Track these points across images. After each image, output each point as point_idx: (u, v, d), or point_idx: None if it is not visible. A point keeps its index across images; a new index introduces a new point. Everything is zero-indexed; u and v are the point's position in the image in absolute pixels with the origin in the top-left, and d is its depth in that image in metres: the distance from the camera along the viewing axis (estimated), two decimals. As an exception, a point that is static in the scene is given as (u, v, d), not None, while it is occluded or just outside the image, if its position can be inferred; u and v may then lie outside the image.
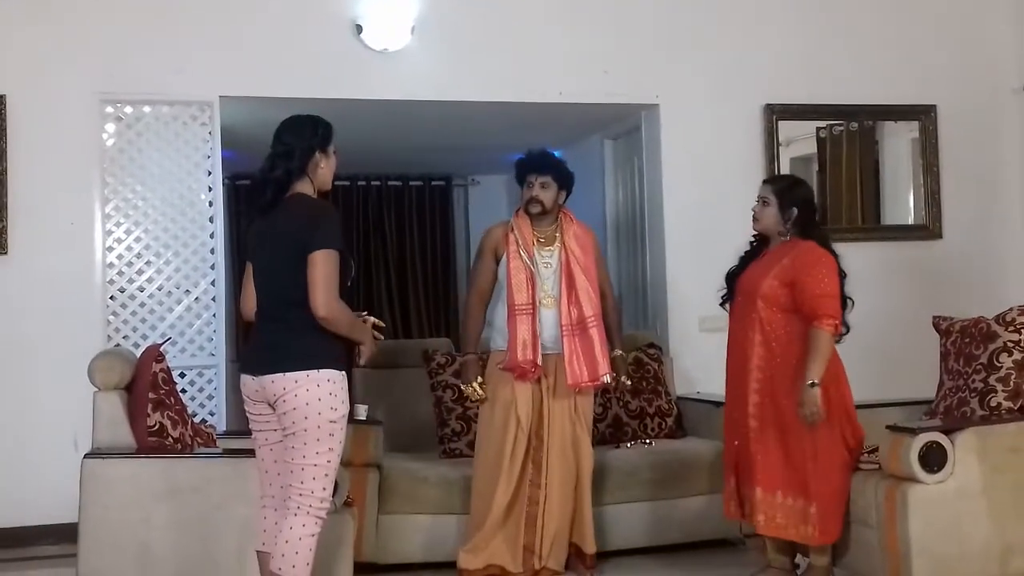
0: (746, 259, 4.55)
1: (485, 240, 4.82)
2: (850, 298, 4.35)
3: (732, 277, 4.55)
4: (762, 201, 4.47)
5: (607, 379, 4.63)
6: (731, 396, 4.49)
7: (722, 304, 4.59)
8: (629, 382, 4.89)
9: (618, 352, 4.80)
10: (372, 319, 3.68)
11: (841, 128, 6.59)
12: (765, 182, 4.60)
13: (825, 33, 6.50)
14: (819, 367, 4.18)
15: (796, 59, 6.42)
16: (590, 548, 4.69)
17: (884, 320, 6.19)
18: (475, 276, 4.84)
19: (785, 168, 6.37)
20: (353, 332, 3.57)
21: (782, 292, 4.29)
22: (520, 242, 4.70)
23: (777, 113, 6.37)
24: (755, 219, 4.50)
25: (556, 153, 4.96)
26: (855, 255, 6.16)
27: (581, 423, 4.67)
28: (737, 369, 4.42)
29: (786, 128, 6.43)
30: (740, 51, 6.36)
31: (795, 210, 4.40)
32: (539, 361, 4.56)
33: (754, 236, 4.58)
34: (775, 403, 4.27)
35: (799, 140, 6.55)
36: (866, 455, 4.40)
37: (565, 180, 4.79)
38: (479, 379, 4.70)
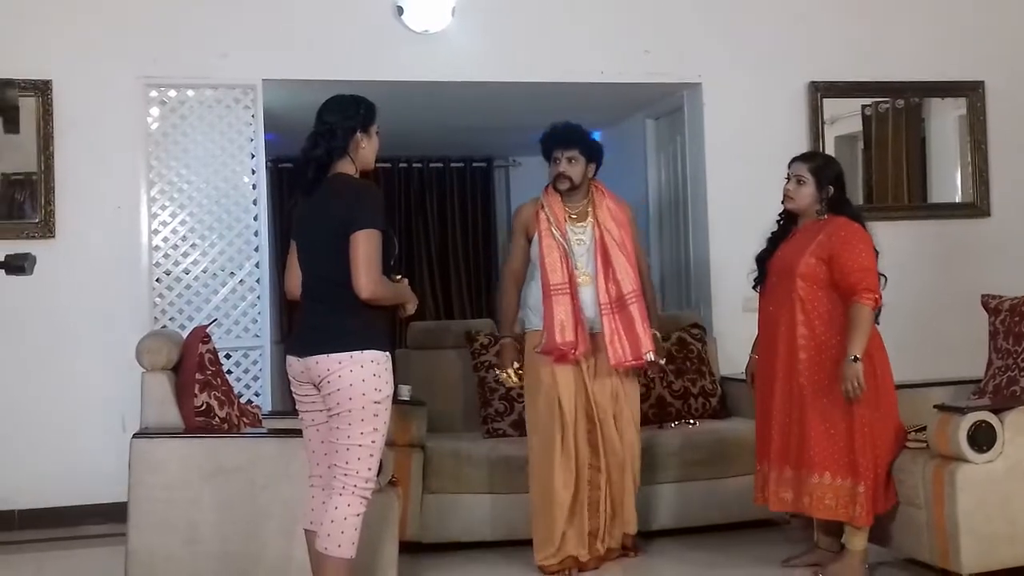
0: (775, 240, 4.49)
1: (515, 219, 4.76)
2: (883, 275, 4.29)
3: (763, 259, 4.49)
4: (796, 179, 4.40)
5: (650, 357, 4.51)
6: (765, 379, 4.42)
7: (754, 287, 4.53)
8: (662, 360, 4.74)
9: (653, 331, 4.64)
10: (404, 279, 3.70)
11: (887, 106, 6.51)
12: (798, 160, 4.48)
13: (870, 9, 6.42)
14: (860, 342, 4.14)
15: (841, 36, 6.34)
16: (631, 529, 4.65)
17: (931, 299, 6.13)
18: (507, 257, 4.80)
19: (830, 147, 6.31)
20: (397, 299, 3.62)
21: (820, 269, 4.24)
22: (551, 219, 4.58)
23: (822, 91, 6.30)
24: (788, 197, 4.43)
25: (595, 133, 4.89)
26: (902, 234, 6.15)
27: (626, 404, 4.58)
28: (773, 352, 4.35)
29: (831, 106, 6.36)
30: (784, 28, 6.29)
31: (831, 188, 4.36)
32: (584, 342, 4.46)
33: (781, 215, 4.51)
34: (822, 382, 4.21)
35: (844, 118, 6.47)
36: (913, 434, 4.36)
37: (593, 153, 4.65)
38: (516, 364, 4.66)
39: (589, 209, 4.60)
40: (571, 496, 4.46)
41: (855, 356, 4.11)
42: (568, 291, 4.49)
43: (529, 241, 4.65)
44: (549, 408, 4.49)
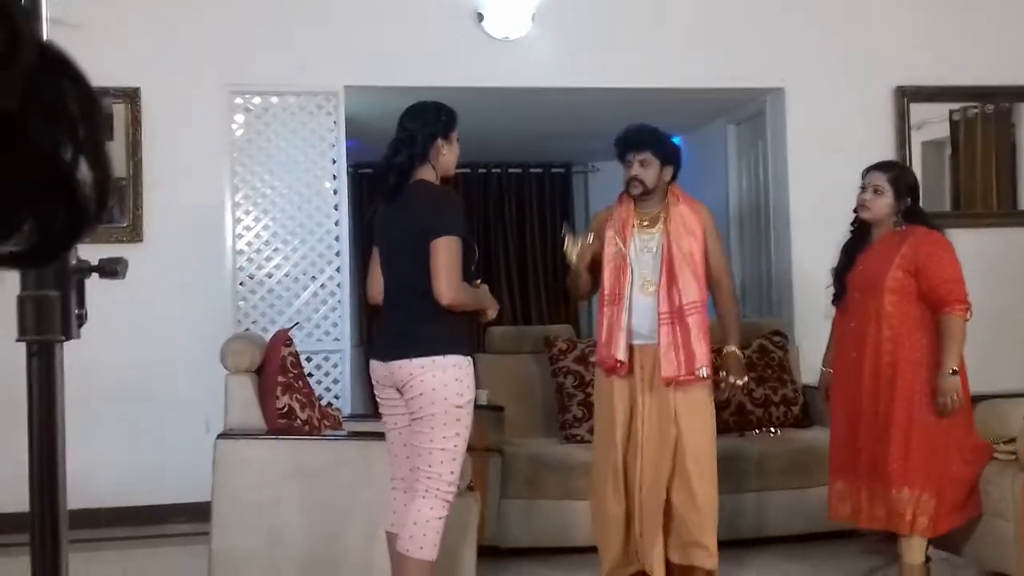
0: (850, 251, 4.37)
1: (591, 225, 4.62)
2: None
3: (841, 273, 4.37)
4: (874, 189, 4.26)
5: (703, 373, 4.19)
6: (847, 395, 4.30)
7: (834, 302, 4.42)
8: (741, 382, 4.38)
9: (731, 348, 4.34)
10: (484, 284, 3.71)
11: (976, 110, 6.40)
12: (874, 169, 4.34)
13: (958, 11, 6.31)
14: (956, 354, 4.07)
15: (928, 39, 6.24)
16: (714, 563, 4.25)
17: (1021, 307, 5.99)
18: None
19: (917, 153, 6.21)
20: (478, 304, 3.65)
21: (908, 282, 4.15)
22: (616, 228, 4.39)
23: (908, 96, 6.21)
24: (864, 208, 4.28)
25: (675, 137, 4.62)
26: (990, 240, 6.04)
27: (682, 420, 4.21)
28: (857, 367, 4.24)
29: (918, 111, 6.26)
30: (868, 32, 6.21)
31: (909, 199, 4.26)
32: (621, 356, 4.21)
33: (853, 224, 4.40)
34: (908, 397, 4.12)
35: (931, 123, 6.37)
36: (1003, 445, 4.28)
37: (668, 155, 4.39)
38: (589, 240, 4.35)
39: (662, 215, 4.38)
40: (623, 511, 4.26)
41: (953, 369, 4.04)
42: (617, 302, 4.30)
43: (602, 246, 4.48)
44: (606, 420, 4.35)
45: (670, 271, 4.26)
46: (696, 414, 4.27)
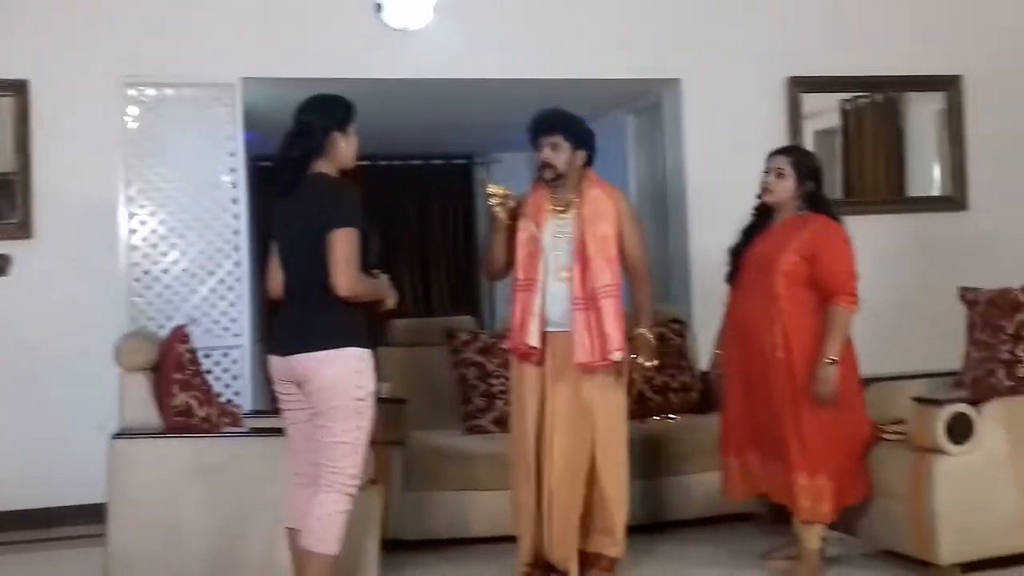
0: (749, 233, 4.44)
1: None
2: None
3: (737, 252, 4.43)
4: (777, 172, 4.35)
5: (616, 356, 4.18)
6: (738, 374, 4.36)
7: (727, 280, 4.47)
8: (651, 364, 4.38)
9: (641, 331, 4.34)
10: (384, 275, 3.69)
11: (866, 100, 6.56)
12: (778, 153, 4.44)
13: (848, 4, 6.46)
14: (837, 344, 4.14)
15: (819, 31, 6.38)
16: (620, 552, 4.33)
17: (909, 292, 6.18)
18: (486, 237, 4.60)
19: (809, 141, 6.34)
20: (376, 295, 3.63)
21: (802, 267, 4.22)
22: (530, 212, 4.36)
23: (801, 86, 6.34)
24: (767, 191, 4.36)
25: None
26: (879, 227, 6.20)
27: (596, 410, 4.24)
28: (748, 347, 4.30)
29: (810, 101, 6.39)
30: (762, 24, 6.33)
31: (811, 183, 4.34)
32: (534, 343, 4.21)
33: (756, 209, 4.46)
34: (797, 380, 4.18)
35: (823, 113, 6.51)
36: (892, 426, 4.39)
37: (580, 139, 4.33)
38: (511, 197, 4.33)
39: (576, 201, 4.33)
40: (534, 501, 4.27)
41: (831, 359, 4.12)
42: (531, 288, 4.28)
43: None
44: (518, 409, 4.36)
45: (583, 257, 4.24)
46: (608, 402, 4.29)
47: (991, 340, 4.61)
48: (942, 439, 4.14)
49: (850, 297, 4.18)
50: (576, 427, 4.25)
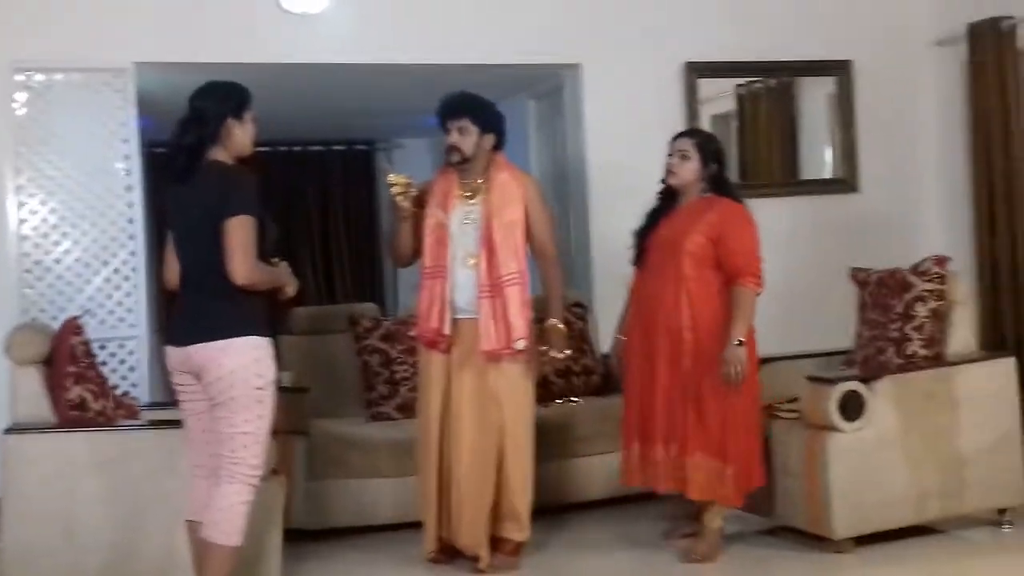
0: (655, 215, 4.44)
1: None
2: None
3: (643, 234, 4.43)
4: (681, 155, 4.36)
5: (519, 345, 4.19)
6: (643, 358, 4.34)
7: (633, 263, 4.46)
8: (562, 356, 4.40)
9: (553, 322, 4.36)
10: (283, 262, 3.65)
11: (759, 85, 6.66)
12: (682, 136, 4.48)
13: (744, -10, 6.54)
14: (744, 326, 4.17)
15: (715, 17, 6.44)
16: (525, 536, 4.37)
17: (803, 273, 6.29)
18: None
19: (706, 126, 6.41)
20: (275, 282, 3.58)
21: (708, 249, 4.24)
22: (438, 198, 4.32)
23: (697, 71, 6.40)
24: (671, 173, 4.38)
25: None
26: (775, 210, 6.29)
27: (503, 398, 4.25)
28: (654, 330, 4.30)
29: (706, 86, 6.46)
30: (660, 9, 6.36)
31: (715, 165, 4.37)
32: (445, 330, 4.22)
33: (660, 192, 4.48)
34: (704, 363, 4.21)
35: (719, 98, 6.59)
36: (786, 405, 4.48)
37: (487, 122, 4.31)
38: (413, 184, 4.31)
39: (483, 186, 4.30)
40: (435, 486, 4.28)
41: (739, 340, 4.15)
42: (439, 276, 4.26)
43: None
44: (423, 396, 4.36)
45: (489, 244, 4.22)
46: (514, 390, 4.29)
47: (881, 319, 4.72)
48: (835, 417, 4.25)
49: (755, 278, 4.22)
50: (483, 414, 4.25)
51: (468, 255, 4.27)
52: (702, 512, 4.39)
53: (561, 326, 4.38)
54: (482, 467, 4.26)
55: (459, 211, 4.31)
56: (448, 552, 4.39)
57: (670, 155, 4.41)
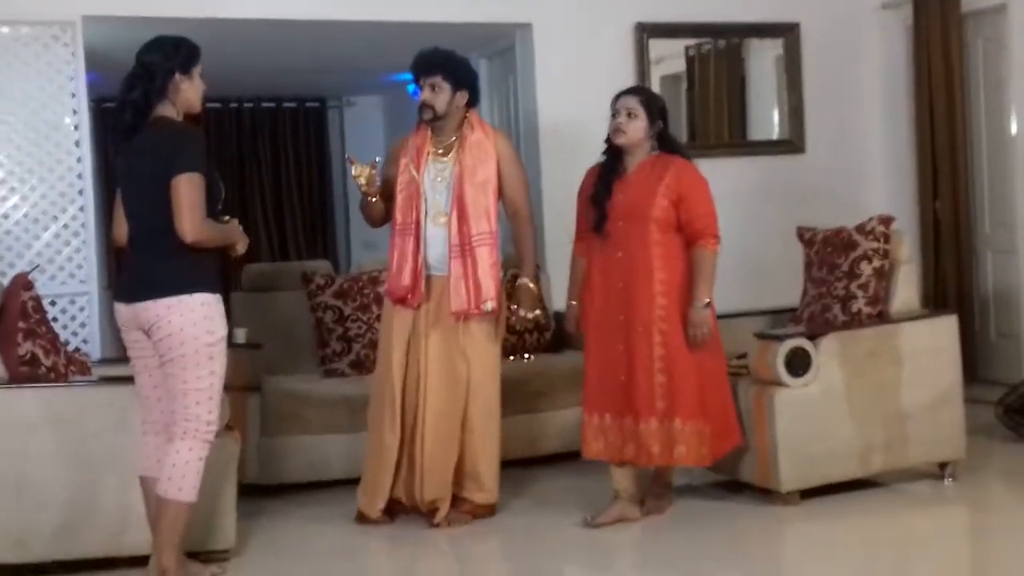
0: (607, 180, 4.22)
1: (389, 152, 4.44)
2: None
3: (601, 200, 4.20)
4: (627, 113, 4.18)
5: (487, 307, 4.17)
6: (612, 327, 4.17)
7: (596, 229, 4.20)
8: (532, 315, 4.37)
9: (523, 280, 4.32)
10: (234, 219, 3.58)
11: (709, 46, 6.64)
12: (626, 94, 4.27)
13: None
14: (708, 287, 4.10)
15: (666, -23, 6.41)
16: (485, 498, 4.32)
17: (751, 232, 6.31)
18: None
19: (656, 86, 6.39)
20: (225, 240, 3.52)
21: (671, 212, 4.11)
22: (410, 155, 4.25)
23: (648, 32, 6.37)
24: (620, 132, 4.18)
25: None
26: (723, 170, 6.29)
27: (470, 357, 4.22)
28: (624, 298, 4.13)
29: (656, 47, 6.43)
30: (611, -31, 6.32)
31: (660, 122, 4.22)
32: (419, 287, 4.19)
33: (605, 152, 4.28)
34: (676, 327, 4.10)
35: (669, 59, 6.57)
36: (736, 360, 4.50)
37: (460, 79, 4.22)
38: (374, 168, 4.22)
39: (456, 144, 4.24)
40: (397, 443, 4.23)
41: (705, 302, 4.08)
42: (411, 233, 4.20)
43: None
44: (385, 352, 4.30)
45: (460, 202, 4.18)
46: (481, 349, 4.26)
47: (827, 277, 4.75)
48: (782, 372, 4.27)
49: (715, 239, 4.13)
50: (451, 370, 4.23)
51: (439, 213, 4.24)
52: (664, 473, 4.35)
53: (532, 285, 4.36)
54: (449, 423, 4.23)
55: (431, 168, 4.26)
56: (387, 512, 4.34)
57: (615, 114, 4.23)
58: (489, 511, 4.38)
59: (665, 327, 4.11)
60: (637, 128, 4.19)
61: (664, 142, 4.27)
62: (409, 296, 4.22)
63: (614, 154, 4.27)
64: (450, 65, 4.26)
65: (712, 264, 4.14)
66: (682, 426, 4.10)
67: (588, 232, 4.28)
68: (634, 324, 4.13)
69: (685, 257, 4.16)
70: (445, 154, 4.26)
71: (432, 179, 4.26)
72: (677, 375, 4.11)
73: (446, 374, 4.24)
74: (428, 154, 4.27)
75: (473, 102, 4.33)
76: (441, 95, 4.22)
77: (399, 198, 4.26)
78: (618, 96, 4.29)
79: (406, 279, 4.20)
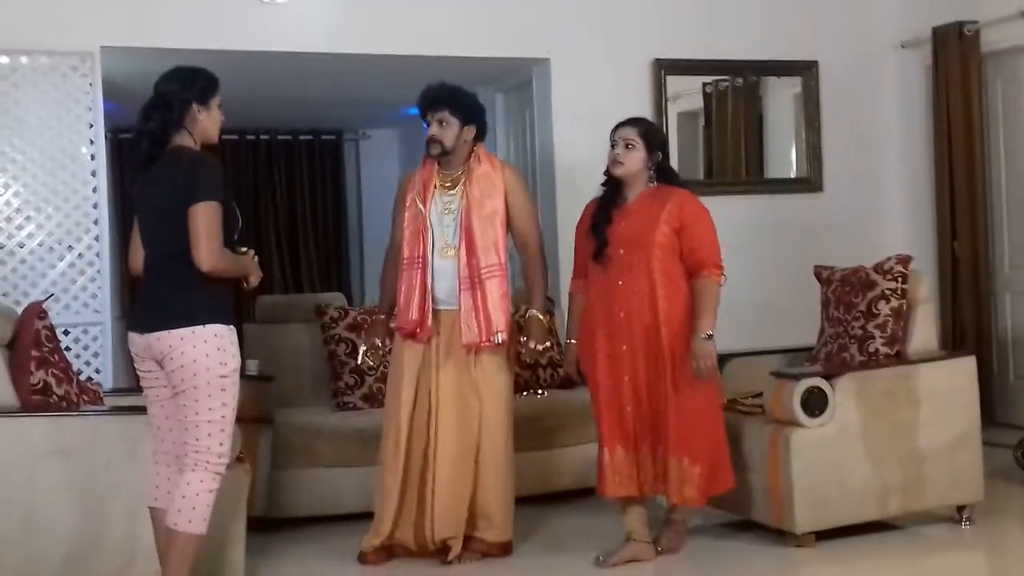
0: (607, 210, 4.20)
1: (399, 189, 4.46)
2: None
3: (601, 230, 4.17)
4: (626, 144, 4.16)
5: (498, 339, 4.17)
6: (614, 358, 4.13)
7: (595, 258, 4.18)
8: (542, 347, 4.37)
9: (532, 312, 4.31)
10: (250, 251, 3.60)
11: (727, 84, 6.67)
12: (625, 125, 4.23)
13: (712, -11, 6.55)
14: (711, 318, 4.07)
15: (685, 14, 6.46)
16: (497, 536, 4.29)
17: (768, 270, 6.32)
18: (392, 230, 4.47)
19: (673, 123, 6.43)
20: (240, 271, 3.53)
21: (674, 240, 4.10)
22: (417, 188, 4.27)
23: (666, 68, 6.41)
24: (617, 163, 4.16)
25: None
26: (740, 208, 6.33)
27: (482, 390, 4.22)
28: (627, 327, 4.10)
29: (674, 83, 6.47)
30: (630, 5, 6.37)
31: (659, 154, 4.20)
32: (427, 321, 4.19)
33: (604, 184, 4.26)
34: (677, 358, 4.07)
35: (686, 95, 6.61)
36: (750, 399, 4.48)
37: (468, 114, 4.25)
38: (377, 342, 4.41)
39: (464, 177, 4.26)
40: (398, 486, 4.22)
41: (708, 333, 4.04)
42: (419, 267, 4.22)
43: None
44: (394, 387, 4.30)
45: (469, 234, 4.19)
46: (493, 383, 4.25)
47: (844, 317, 4.74)
48: (798, 412, 4.25)
49: (719, 269, 4.12)
50: (463, 406, 4.22)
51: (447, 246, 4.24)
52: (674, 508, 4.30)
53: (540, 316, 4.34)
54: (464, 459, 4.21)
55: (438, 202, 4.27)
56: (387, 552, 4.30)
57: (613, 145, 4.21)
58: (503, 549, 4.34)
59: (667, 358, 4.06)
60: (635, 159, 4.17)
61: (663, 174, 4.24)
62: (418, 330, 4.22)
63: (614, 185, 4.26)
64: (457, 100, 4.28)
65: (715, 295, 4.09)
66: (682, 462, 4.06)
67: (586, 266, 4.26)
68: (636, 356, 4.10)
69: (687, 288, 4.11)
70: (452, 187, 4.27)
71: (439, 212, 4.27)
72: (674, 409, 4.05)
73: (458, 409, 4.23)
74: (435, 187, 4.29)
75: (480, 136, 4.35)
76: (449, 130, 4.24)
77: (406, 232, 4.28)
78: (617, 127, 4.27)
79: (414, 313, 4.20)
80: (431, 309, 4.23)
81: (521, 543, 4.49)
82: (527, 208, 4.40)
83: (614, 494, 4.19)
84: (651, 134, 4.24)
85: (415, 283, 4.22)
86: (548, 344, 4.46)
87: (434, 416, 4.22)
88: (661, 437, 4.09)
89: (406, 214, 4.30)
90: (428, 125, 4.27)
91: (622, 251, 4.14)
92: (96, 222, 5.52)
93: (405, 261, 4.28)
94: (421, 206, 4.26)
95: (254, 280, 3.60)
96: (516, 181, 4.38)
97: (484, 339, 4.19)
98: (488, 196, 4.24)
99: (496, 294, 4.19)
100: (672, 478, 4.09)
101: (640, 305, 4.10)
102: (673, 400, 4.07)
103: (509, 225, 4.34)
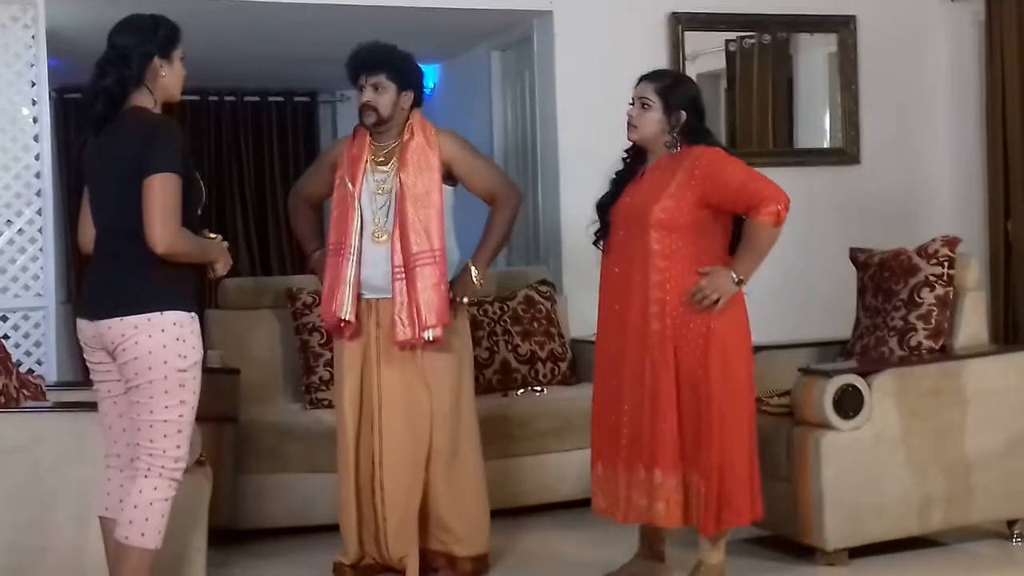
0: (620, 183, 4.10)
1: (331, 150, 4.50)
2: None
3: (605, 206, 4.08)
4: (641, 103, 3.99)
5: (429, 335, 4.10)
6: (608, 358, 4.05)
7: (595, 242, 4.12)
8: (467, 300, 4.34)
9: (467, 264, 4.28)
10: (218, 236, 3.60)
11: (752, 41, 6.66)
12: (644, 79, 4.05)
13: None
14: (750, 263, 3.86)
15: (705, -38, 6.45)
16: (465, 550, 4.27)
17: (797, 252, 6.30)
18: (303, 179, 4.53)
19: (692, 85, 6.42)
20: (203, 256, 3.52)
21: (681, 214, 3.86)
22: (346, 165, 4.24)
23: (683, 23, 6.39)
24: (632, 126, 4.01)
25: (432, 65, 4.52)
26: (767, 182, 6.31)
27: (432, 384, 4.19)
28: (620, 323, 3.97)
29: (693, 40, 6.45)
30: (643, -48, 6.36)
31: (683, 113, 3.97)
32: (346, 316, 4.14)
33: (628, 152, 4.13)
34: (680, 360, 3.89)
35: (706, 54, 6.59)
36: (776, 398, 4.49)
37: (406, 78, 4.21)
38: None
39: (397, 150, 4.23)
40: (353, 497, 4.22)
41: (739, 278, 3.84)
42: (341, 253, 4.19)
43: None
44: (337, 388, 4.29)
45: (402, 217, 4.15)
46: (445, 375, 4.23)
47: (883, 306, 4.75)
48: (830, 413, 4.27)
49: (768, 204, 3.82)
50: (410, 404, 4.20)
51: (379, 229, 4.21)
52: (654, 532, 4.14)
53: (473, 271, 4.29)
54: (411, 466, 4.19)
55: (370, 180, 4.25)
56: (367, 571, 4.30)
57: (631, 103, 4.07)
58: (477, 565, 4.33)
59: (655, 355, 3.89)
60: (650, 121, 3.99)
61: (693, 136, 4.00)
62: (343, 325, 4.18)
63: (638, 153, 4.12)
64: (395, 62, 4.25)
65: (761, 238, 3.87)
66: (662, 479, 3.88)
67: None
68: (627, 355, 3.96)
69: (694, 273, 3.89)
70: (385, 162, 4.24)
71: (371, 192, 4.24)
72: (659, 416, 3.88)
73: (404, 407, 4.19)
74: (366, 163, 4.26)
75: (418, 102, 4.33)
76: (385, 96, 4.20)
77: (333, 215, 4.26)
78: (637, 81, 4.11)
79: (338, 309, 4.16)
80: (350, 303, 4.17)
81: (515, 559, 4.52)
82: (480, 164, 4.39)
83: (595, 511, 4.13)
84: (671, 90, 4.01)
85: (342, 272, 4.18)
86: (475, 298, 4.43)
87: (377, 417, 4.19)
88: (656, 455, 3.88)
89: (334, 195, 4.29)
90: (361, 90, 4.24)
91: (621, 233, 4.04)
92: (39, 193, 5.51)
93: (331, 247, 4.27)
94: (350, 185, 4.22)
95: (221, 268, 3.59)
96: (453, 144, 4.33)
97: (416, 336, 4.13)
98: (421, 173, 4.20)
99: (428, 286, 4.13)
100: (656, 494, 3.88)
101: (635, 297, 3.95)
102: (665, 407, 3.88)
103: (472, 190, 4.35)
